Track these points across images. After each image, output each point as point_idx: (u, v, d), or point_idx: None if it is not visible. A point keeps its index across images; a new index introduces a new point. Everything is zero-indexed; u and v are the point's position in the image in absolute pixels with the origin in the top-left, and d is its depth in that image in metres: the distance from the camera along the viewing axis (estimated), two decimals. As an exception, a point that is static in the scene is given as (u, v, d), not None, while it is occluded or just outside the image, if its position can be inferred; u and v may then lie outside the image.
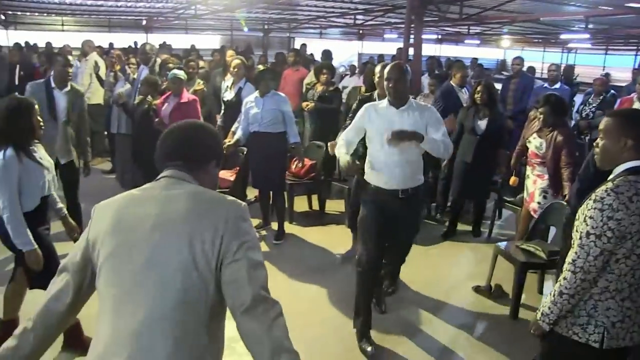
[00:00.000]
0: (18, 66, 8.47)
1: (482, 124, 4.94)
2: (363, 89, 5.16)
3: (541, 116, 4.23)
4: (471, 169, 5.00)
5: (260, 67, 5.53)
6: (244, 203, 1.54)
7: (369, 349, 3.32)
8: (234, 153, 5.19)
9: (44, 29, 17.09)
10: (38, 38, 10.99)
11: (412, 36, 7.92)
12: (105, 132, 7.14)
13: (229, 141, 4.83)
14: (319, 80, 5.88)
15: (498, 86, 6.45)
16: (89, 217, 1.57)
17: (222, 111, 5.90)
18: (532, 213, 4.42)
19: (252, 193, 5.79)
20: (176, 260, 1.37)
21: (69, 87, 4.42)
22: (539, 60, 26.94)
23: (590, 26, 14.57)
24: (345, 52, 24.51)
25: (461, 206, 5.41)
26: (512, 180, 4.83)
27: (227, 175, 5.25)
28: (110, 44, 12.42)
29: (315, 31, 22.69)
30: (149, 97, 5.35)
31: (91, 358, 1.38)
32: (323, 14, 16.64)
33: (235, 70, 5.60)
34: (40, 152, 3.07)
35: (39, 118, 3.01)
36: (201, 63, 7.76)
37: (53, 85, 4.36)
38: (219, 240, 1.40)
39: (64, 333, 2.60)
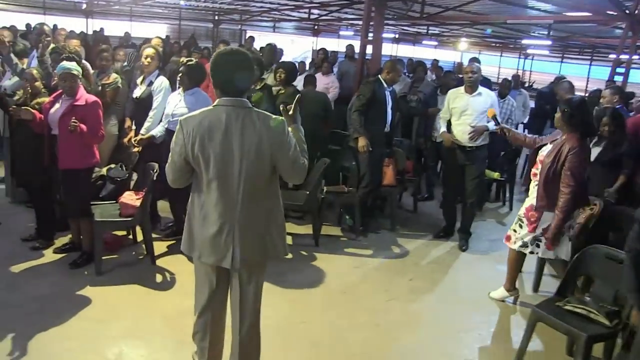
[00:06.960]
0: None
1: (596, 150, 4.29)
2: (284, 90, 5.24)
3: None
4: None
5: (184, 59, 4.55)
6: (282, 119, 2.43)
7: None
8: (147, 171, 4.15)
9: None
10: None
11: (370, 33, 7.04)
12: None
13: (138, 138, 4.48)
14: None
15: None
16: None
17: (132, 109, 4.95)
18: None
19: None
20: (255, 158, 2.37)
21: None
22: (496, 64, 26.83)
23: (551, 33, 14.19)
24: (298, 48, 23.51)
25: None
26: None
27: (132, 198, 4.08)
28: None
29: (269, 24, 21.64)
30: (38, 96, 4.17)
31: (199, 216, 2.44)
32: (276, 6, 15.62)
33: (148, 61, 4.65)
34: None
35: None
36: (121, 53, 6.56)
37: None
38: (271, 148, 2.38)
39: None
